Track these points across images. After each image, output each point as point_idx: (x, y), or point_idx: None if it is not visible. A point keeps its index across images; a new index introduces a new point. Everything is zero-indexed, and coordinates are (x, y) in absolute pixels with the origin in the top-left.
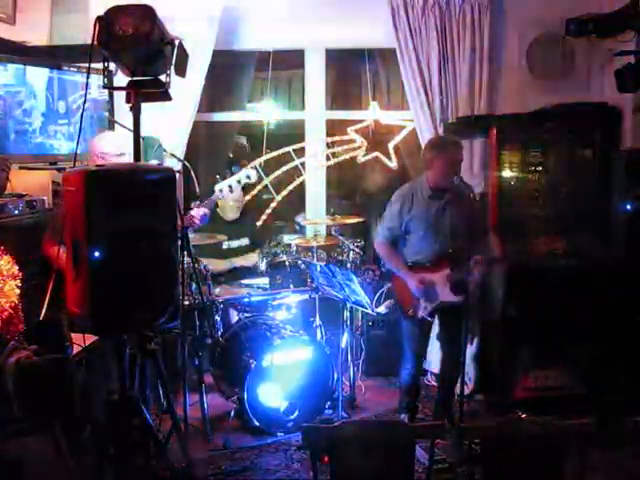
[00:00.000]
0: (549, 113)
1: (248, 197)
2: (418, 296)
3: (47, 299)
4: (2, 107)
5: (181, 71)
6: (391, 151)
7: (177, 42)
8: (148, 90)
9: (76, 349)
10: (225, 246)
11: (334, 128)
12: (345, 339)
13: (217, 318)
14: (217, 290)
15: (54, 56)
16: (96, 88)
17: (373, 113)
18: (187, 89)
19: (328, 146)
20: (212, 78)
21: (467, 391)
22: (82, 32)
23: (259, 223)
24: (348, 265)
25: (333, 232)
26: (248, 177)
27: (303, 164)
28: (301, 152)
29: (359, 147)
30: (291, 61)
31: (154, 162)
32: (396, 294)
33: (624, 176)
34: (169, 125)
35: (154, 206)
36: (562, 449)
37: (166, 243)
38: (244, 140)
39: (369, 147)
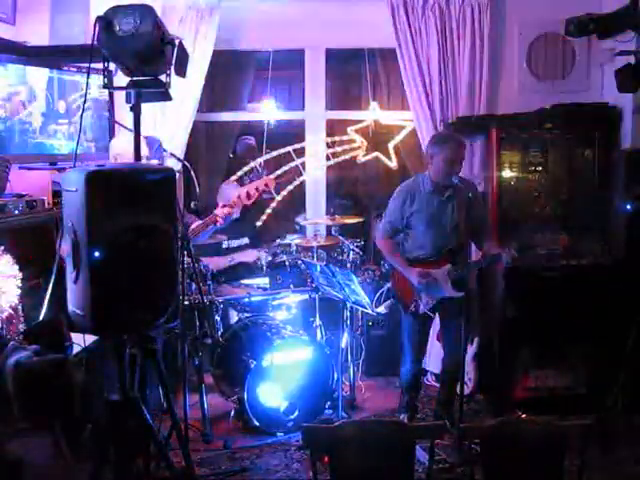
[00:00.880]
0: (549, 113)
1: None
2: (420, 290)
3: (47, 299)
4: (2, 107)
5: (181, 71)
6: (391, 151)
7: (177, 42)
8: (148, 90)
9: (76, 349)
10: (225, 245)
11: (334, 128)
12: (345, 339)
13: (217, 318)
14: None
15: (54, 56)
16: (96, 88)
17: (373, 113)
18: (187, 89)
19: (328, 146)
20: (212, 78)
21: (467, 391)
22: (82, 32)
23: (259, 223)
24: (348, 265)
25: (333, 232)
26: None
27: (303, 164)
28: (301, 152)
29: (359, 147)
30: (291, 61)
31: (154, 162)
32: (397, 290)
33: (624, 176)
34: (169, 125)
35: (154, 206)
36: (562, 449)
37: (166, 243)
38: (252, 141)
39: (369, 147)
